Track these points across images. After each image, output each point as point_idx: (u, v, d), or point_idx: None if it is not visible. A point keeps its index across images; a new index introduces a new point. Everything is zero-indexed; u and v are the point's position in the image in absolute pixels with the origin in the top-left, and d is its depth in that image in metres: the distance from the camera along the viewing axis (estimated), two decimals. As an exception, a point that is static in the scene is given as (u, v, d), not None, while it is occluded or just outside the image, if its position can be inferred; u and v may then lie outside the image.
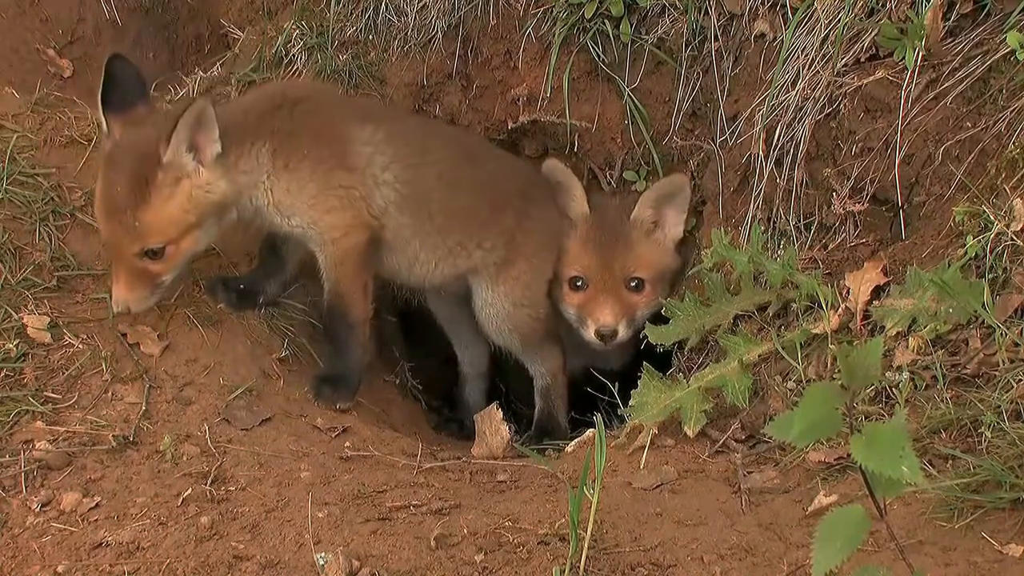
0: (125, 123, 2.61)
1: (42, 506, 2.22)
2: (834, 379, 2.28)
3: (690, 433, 2.46)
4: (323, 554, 1.99)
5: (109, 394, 2.54)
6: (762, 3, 2.92)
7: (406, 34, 3.31)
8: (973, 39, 2.58)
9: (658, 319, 2.88)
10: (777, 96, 2.82)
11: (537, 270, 3.14)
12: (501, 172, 3.14)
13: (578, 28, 3.18)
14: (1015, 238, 2.27)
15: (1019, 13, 2.51)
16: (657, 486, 2.27)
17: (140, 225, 2.57)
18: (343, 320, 2.82)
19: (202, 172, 2.62)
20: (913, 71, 2.61)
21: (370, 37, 3.36)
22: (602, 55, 3.17)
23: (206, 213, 2.65)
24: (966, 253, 2.34)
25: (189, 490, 2.24)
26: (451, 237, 2.99)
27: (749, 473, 2.28)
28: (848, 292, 2.53)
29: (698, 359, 2.84)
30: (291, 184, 2.73)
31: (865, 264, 2.59)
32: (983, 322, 2.24)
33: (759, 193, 2.90)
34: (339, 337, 2.83)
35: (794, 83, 2.79)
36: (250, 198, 2.74)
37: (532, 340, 3.18)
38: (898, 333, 2.36)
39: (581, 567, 1.93)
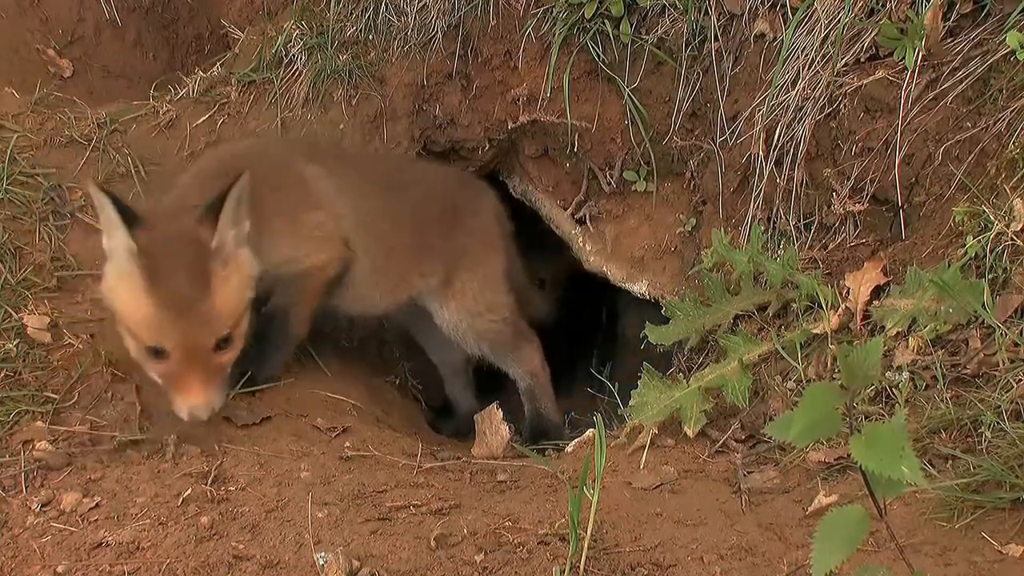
0: (143, 228, 2.42)
1: (42, 506, 2.22)
2: (834, 379, 2.28)
3: (690, 433, 2.46)
4: (323, 554, 1.99)
5: (109, 394, 2.54)
6: (762, 3, 2.91)
7: (406, 34, 3.31)
8: (973, 39, 2.58)
9: (658, 319, 2.88)
10: (777, 96, 2.82)
11: (484, 276, 3.11)
12: (427, 194, 3.09)
13: (578, 28, 3.18)
14: (1015, 238, 2.27)
15: (1019, 13, 2.51)
16: (657, 486, 2.27)
17: (212, 314, 2.41)
18: (284, 331, 2.76)
19: (242, 250, 2.50)
20: (913, 71, 2.60)
21: (370, 37, 3.36)
22: (602, 55, 3.17)
23: (251, 291, 2.53)
24: (966, 253, 2.34)
25: (189, 490, 2.23)
26: (393, 275, 2.97)
27: (749, 473, 2.28)
28: (848, 292, 2.53)
29: (698, 359, 2.84)
30: (274, 243, 2.65)
31: (865, 264, 2.59)
32: (983, 322, 2.24)
33: (759, 193, 2.90)
34: (271, 343, 2.76)
35: (794, 83, 2.79)
36: None
37: (502, 344, 3.15)
38: (898, 333, 2.36)
39: (581, 567, 1.93)
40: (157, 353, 2.42)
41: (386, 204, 2.93)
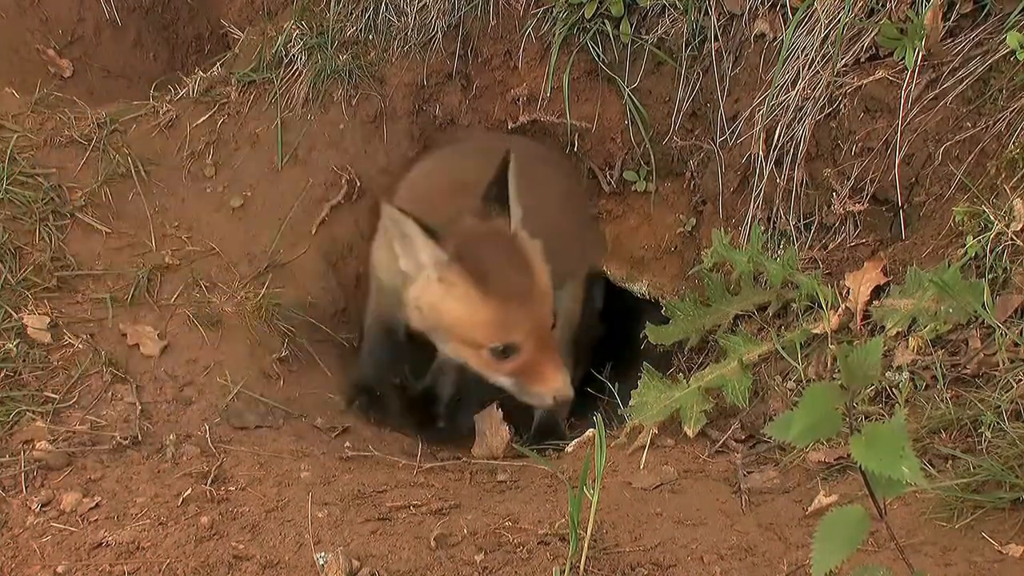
0: (441, 239, 2.43)
1: (42, 506, 2.22)
2: (834, 379, 2.28)
3: (690, 433, 2.46)
4: (323, 554, 1.99)
5: (109, 394, 2.54)
6: (762, 3, 2.91)
7: (406, 34, 3.31)
8: (973, 39, 2.58)
9: (659, 319, 2.88)
10: (777, 96, 2.81)
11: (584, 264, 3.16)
12: (577, 199, 3.15)
13: (578, 28, 3.18)
14: (1015, 238, 2.27)
15: (1019, 13, 2.50)
16: (657, 486, 2.27)
17: (544, 293, 2.45)
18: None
19: (523, 230, 2.51)
20: (913, 71, 2.60)
21: (370, 37, 3.36)
22: (602, 55, 3.17)
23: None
24: (966, 253, 2.33)
25: (189, 490, 2.23)
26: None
27: (749, 473, 2.28)
28: (848, 292, 2.53)
29: (698, 359, 2.84)
30: None
31: (865, 264, 2.59)
32: (983, 322, 2.24)
33: (759, 193, 2.90)
34: None
35: (794, 83, 2.79)
36: None
37: (569, 335, 3.16)
38: (898, 333, 2.36)
39: (581, 567, 1.93)
40: (507, 351, 2.41)
41: (556, 223, 2.93)
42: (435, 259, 2.41)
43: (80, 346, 2.61)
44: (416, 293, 2.48)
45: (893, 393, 2.27)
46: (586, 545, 1.93)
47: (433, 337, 2.59)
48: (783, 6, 2.87)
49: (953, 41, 2.61)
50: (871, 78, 2.68)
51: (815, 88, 2.75)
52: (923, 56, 2.59)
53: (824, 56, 2.74)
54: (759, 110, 2.85)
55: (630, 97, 3.18)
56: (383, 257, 2.70)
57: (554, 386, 2.42)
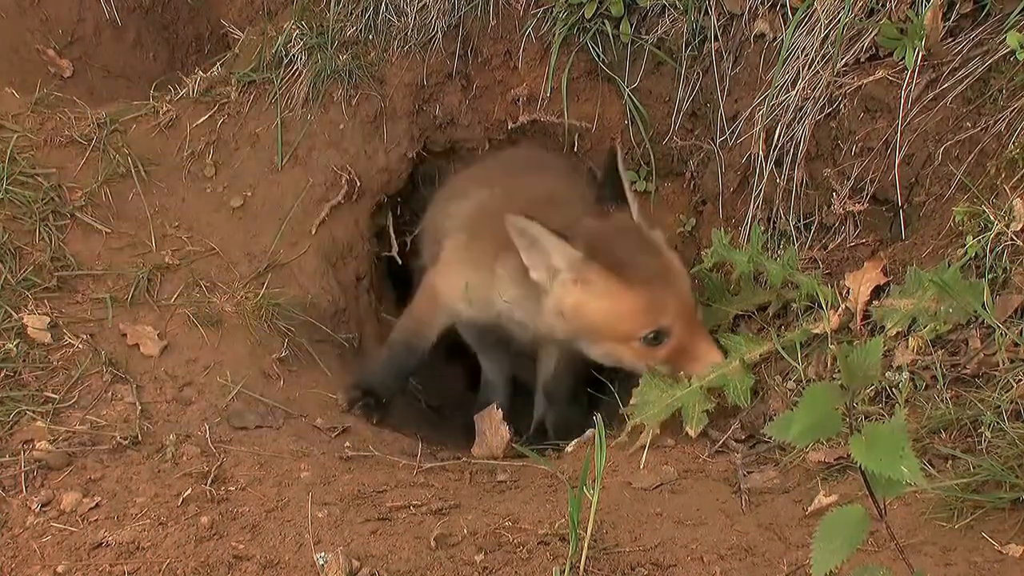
0: (576, 235, 2.47)
1: (42, 506, 2.22)
2: (834, 379, 2.28)
3: (692, 433, 2.45)
4: (323, 554, 1.99)
5: (109, 394, 2.54)
6: (762, 3, 2.91)
7: (406, 34, 3.31)
8: (973, 39, 2.58)
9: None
10: (777, 96, 2.82)
11: None
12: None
13: (578, 28, 3.18)
14: (1015, 238, 2.27)
15: (1019, 13, 2.50)
16: (657, 486, 2.27)
17: (682, 271, 2.54)
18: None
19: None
20: (913, 71, 2.60)
21: (370, 37, 3.36)
22: (602, 55, 3.17)
23: None
24: (966, 253, 2.33)
25: (189, 490, 2.23)
26: None
27: (749, 473, 2.28)
28: (848, 292, 2.53)
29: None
30: None
31: (865, 264, 2.59)
32: (983, 322, 2.24)
33: (759, 193, 2.90)
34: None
35: (794, 83, 2.79)
36: None
37: None
38: (898, 333, 2.36)
39: (581, 567, 1.93)
40: (658, 336, 2.44)
41: None
42: (569, 259, 2.43)
43: (80, 346, 2.61)
44: (554, 301, 2.50)
45: (893, 393, 2.27)
46: (586, 545, 1.93)
47: (581, 342, 2.61)
48: (783, 6, 2.87)
49: (953, 41, 2.61)
50: (871, 78, 2.68)
51: (815, 88, 2.76)
52: (923, 56, 2.59)
53: (824, 56, 2.74)
54: (759, 110, 2.86)
55: (630, 97, 3.18)
56: (479, 287, 2.73)
57: (709, 361, 2.44)
